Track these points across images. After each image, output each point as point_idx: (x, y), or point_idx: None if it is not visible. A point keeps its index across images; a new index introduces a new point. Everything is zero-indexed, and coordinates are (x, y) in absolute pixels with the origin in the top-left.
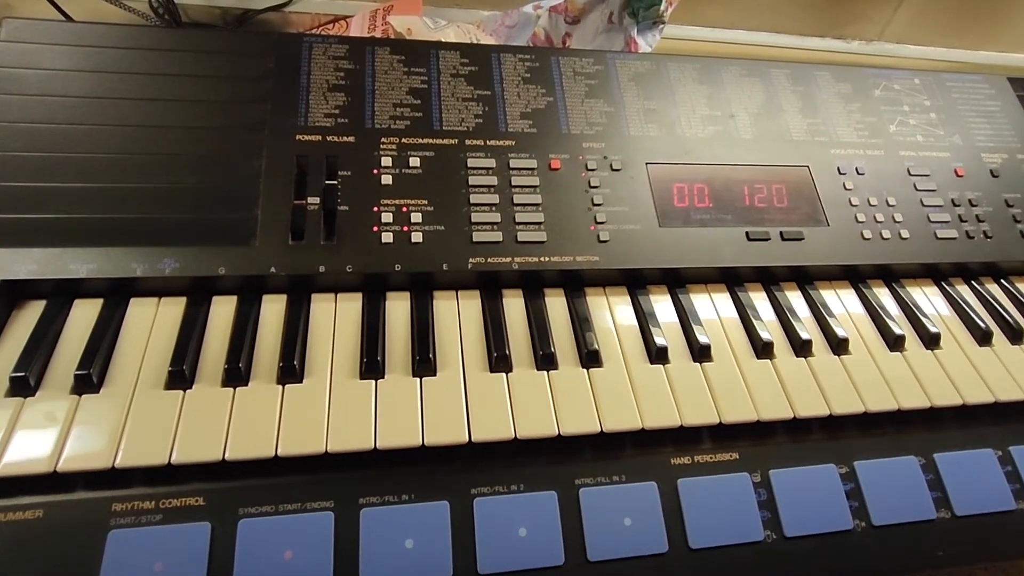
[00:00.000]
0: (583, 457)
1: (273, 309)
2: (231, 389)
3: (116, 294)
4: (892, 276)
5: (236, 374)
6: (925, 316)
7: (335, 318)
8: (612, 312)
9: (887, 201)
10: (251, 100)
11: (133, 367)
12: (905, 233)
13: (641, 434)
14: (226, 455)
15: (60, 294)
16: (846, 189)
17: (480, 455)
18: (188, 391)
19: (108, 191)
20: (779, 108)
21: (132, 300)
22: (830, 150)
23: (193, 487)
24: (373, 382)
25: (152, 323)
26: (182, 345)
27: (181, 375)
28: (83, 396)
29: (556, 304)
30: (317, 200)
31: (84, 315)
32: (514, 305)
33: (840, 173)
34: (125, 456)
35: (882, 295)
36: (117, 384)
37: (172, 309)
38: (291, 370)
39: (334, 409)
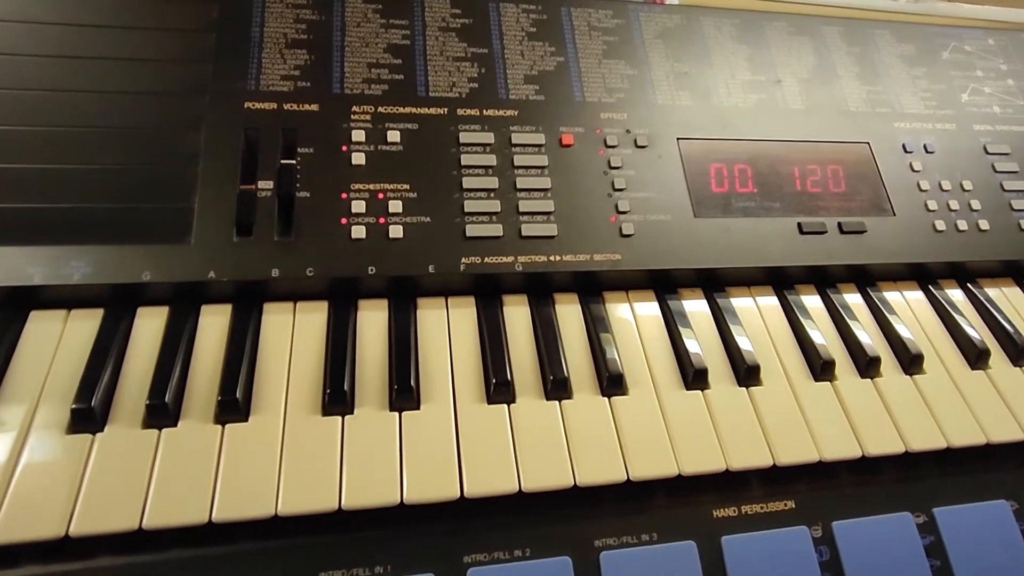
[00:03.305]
0: (604, 511)
1: (214, 324)
2: (155, 431)
3: (10, 306)
4: (967, 275)
5: (162, 411)
6: (1010, 324)
7: (292, 335)
8: (638, 323)
9: (961, 185)
10: (188, 58)
11: (27, 401)
12: (984, 224)
13: (676, 480)
14: (144, 522)
15: None
16: (913, 171)
17: (476, 512)
18: (98, 434)
19: None
20: (833, 73)
21: (31, 314)
22: (893, 123)
23: (101, 563)
24: (339, 419)
25: (56, 344)
26: (92, 373)
27: (89, 414)
28: None
29: (569, 313)
30: (270, 184)
31: None
32: (517, 315)
33: (906, 151)
34: (3, 528)
35: (956, 298)
36: (3, 423)
37: (84, 324)
38: (233, 405)
39: (288, 456)
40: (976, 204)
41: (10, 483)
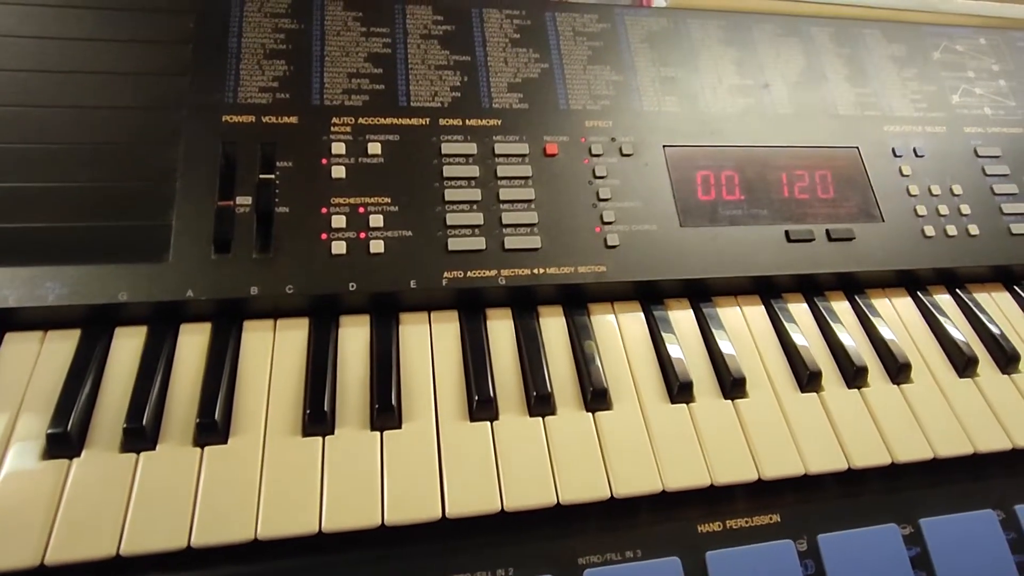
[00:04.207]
0: (588, 528)
1: (192, 343)
2: (133, 455)
3: None
4: (956, 280)
5: (139, 435)
6: (1000, 331)
7: (272, 353)
8: (623, 336)
9: (951, 190)
10: (164, 71)
11: (2, 426)
12: (974, 229)
13: (661, 496)
14: (122, 549)
15: None
16: (903, 175)
17: (458, 532)
18: (75, 459)
19: None
20: (822, 75)
21: (6, 336)
22: (883, 127)
23: None
24: (320, 440)
25: (32, 367)
26: (68, 397)
27: (64, 439)
28: None
29: (553, 326)
30: (248, 200)
31: None
32: (501, 329)
33: (895, 155)
34: None
35: (945, 304)
36: None
37: (61, 346)
38: (212, 427)
39: (268, 479)
40: (966, 209)
41: None
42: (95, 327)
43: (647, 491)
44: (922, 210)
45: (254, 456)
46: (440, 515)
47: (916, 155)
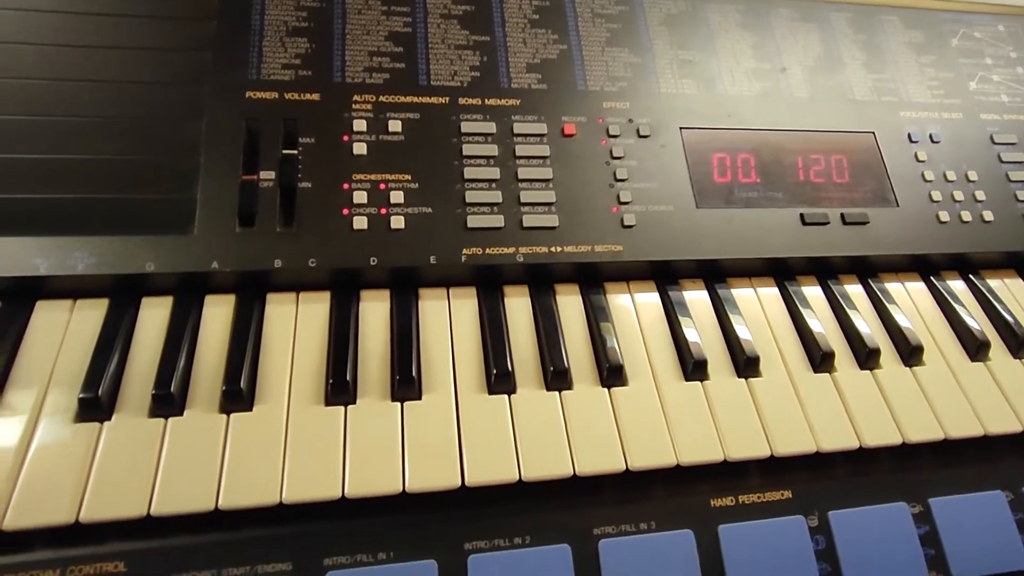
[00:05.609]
0: (603, 500)
1: (217, 314)
2: (161, 420)
3: (16, 296)
4: (969, 266)
5: (167, 401)
6: (1011, 316)
7: (295, 325)
8: (638, 314)
9: (967, 176)
10: (188, 47)
11: (36, 390)
12: (988, 215)
13: (675, 470)
14: (153, 509)
15: None
16: (918, 161)
17: (476, 501)
18: (105, 423)
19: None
20: (839, 61)
21: (37, 304)
22: (899, 112)
23: (111, 549)
24: (342, 409)
25: (63, 334)
26: (98, 363)
27: (95, 403)
28: None
29: (570, 304)
30: (272, 175)
31: None
32: (518, 306)
33: (911, 141)
34: (17, 514)
35: (958, 289)
36: (13, 412)
37: (90, 314)
38: (237, 395)
39: (292, 445)
40: (980, 195)
41: (21, 470)
42: (122, 297)
43: (662, 465)
44: (937, 195)
45: (278, 423)
46: (460, 483)
47: (932, 141)
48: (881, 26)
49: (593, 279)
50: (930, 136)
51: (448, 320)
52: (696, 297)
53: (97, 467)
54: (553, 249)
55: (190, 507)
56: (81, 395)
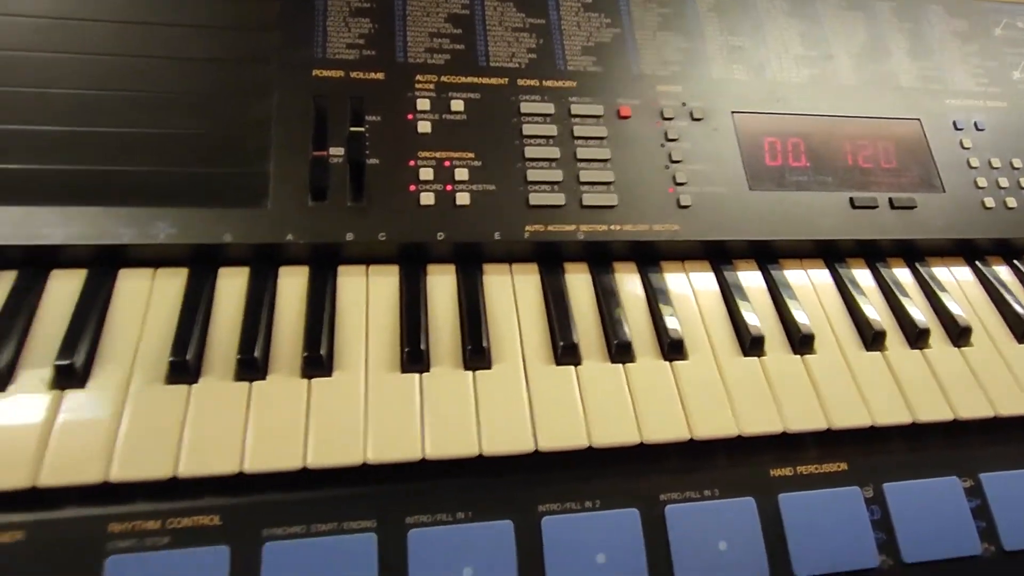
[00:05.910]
0: (668, 467)
1: (292, 284)
2: (246, 384)
3: (101, 264)
4: (1014, 251)
5: (252, 365)
6: None
7: (367, 296)
8: (695, 292)
9: (1011, 163)
10: (255, 26)
11: (126, 355)
12: None
13: (736, 440)
14: (245, 466)
15: (31, 264)
16: (963, 148)
17: (546, 466)
18: (194, 386)
19: (84, 137)
20: (884, 49)
21: (121, 272)
22: (944, 100)
23: (207, 503)
24: (417, 377)
25: (147, 301)
26: (184, 329)
27: (184, 366)
28: (66, 392)
29: (628, 281)
30: (341, 151)
31: (63, 290)
32: (579, 282)
33: (956, 128)
34: (122, 467)
35: (1003, 274)
36: (107, 376)
37: (171, 283)
38: (318, 361)
39: (372, 410)
40: None
41: (119, 428)
42: (201, 266)
43: (723, 435)
44: (982, 182)
45: (357, 388)
46: (533, 448)
47: (977, 128)
48: (925, 15)
49: (650, 258)
50: (975, 124)
51: (512, 294)
52: (750, 277)
53: (189, 426)
54: (612, 227)
55: (280, 465)
56: (171, 358)
